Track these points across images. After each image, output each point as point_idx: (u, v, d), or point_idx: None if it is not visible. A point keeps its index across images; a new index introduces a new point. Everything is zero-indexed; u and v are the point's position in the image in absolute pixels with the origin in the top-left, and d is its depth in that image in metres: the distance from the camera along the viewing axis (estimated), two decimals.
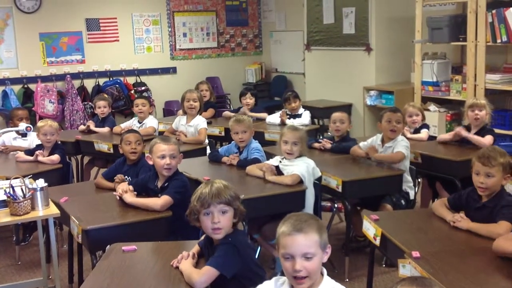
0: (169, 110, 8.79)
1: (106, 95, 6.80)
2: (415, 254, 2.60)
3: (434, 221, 3.10)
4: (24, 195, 3.39)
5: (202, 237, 2.71)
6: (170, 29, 9.40)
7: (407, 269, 2.60)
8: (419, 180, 4.93)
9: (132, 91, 8.85)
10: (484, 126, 4.62)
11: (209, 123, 5.80)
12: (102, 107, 6.10)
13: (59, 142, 5.04)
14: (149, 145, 3.71)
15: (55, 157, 4.75)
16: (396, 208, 4.07)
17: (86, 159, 5.99)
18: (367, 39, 7.45)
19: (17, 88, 8.27)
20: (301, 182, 3.80)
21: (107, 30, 8.86)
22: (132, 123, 5.94)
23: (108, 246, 2.94)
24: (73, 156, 5.73)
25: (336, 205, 4.88)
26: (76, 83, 8.64)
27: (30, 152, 4.87)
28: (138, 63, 9.14)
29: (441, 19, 6.31)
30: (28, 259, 4.63)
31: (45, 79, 8.40)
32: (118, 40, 8.97)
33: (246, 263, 2.51)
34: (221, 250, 2.50)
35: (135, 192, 3.55)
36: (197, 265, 2.58)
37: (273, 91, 9.85)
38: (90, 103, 8.43)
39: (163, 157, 3.51)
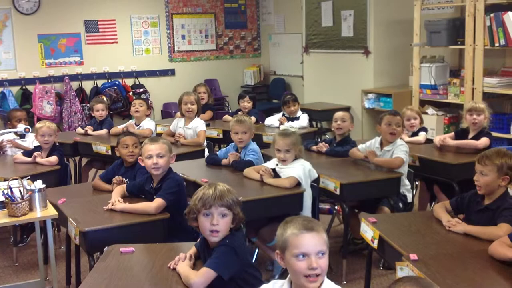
0: (167, 112, 8.79)
1: (103, 98, 6.80)
2: (413, 256, 2.60)
3: (432, 223, 3.11)
4: (22, 197, 3.40)
5: (199, 239, 2.71)
6: (168, 31, 9.40)
7: (404, 271, 2.60)
8: (417, 183, 4.93)
9: (131, 93, 8.85)
10: (482, 130, 4.63)
11: (207, 125, 5.80)
12: (100, 110, 6.09)
13: (57, 144, 5.04)
14: None
15: (53, 159, 4.74)
16: (394, 211, 4.07)
17: (84, 161, 5.99)
18: (365, 42, 7.46)
19: (15, 89, 8.26)
20: (298, 184, 3.80)
21: (105, 32, 8.86)
22: (130, 124, 5.93)
23: (106, 247, 2.94)
24: (71, 158, 5.73)
25: (336, 207, 4.88)
26: (75, 84, 8.63)
27: (28, 153, 4.87)
28: (137, 65, 9.14)
29: (439, 22, 6.32)
30: (25, 260, 4.62)
31: (43, 80, 8.40)
32: (116, 42, 8.97)
33: (243, 265, 2.52)
34: (219, 252, 2.49)
35: (128, 194, 3.56)
36: (194, 267, 2.58)
37: (271, 94, 9.86)
38: (88, 104, 8.42)
39: (150, 157, 3.51)
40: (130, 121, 6.02)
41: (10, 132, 5.26)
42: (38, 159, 4.74)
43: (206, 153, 5.26)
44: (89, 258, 3.18)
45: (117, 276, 2.55)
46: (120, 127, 5.88)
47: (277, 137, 3.97)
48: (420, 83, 6.60)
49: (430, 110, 6.53)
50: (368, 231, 3.15)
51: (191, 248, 2.72)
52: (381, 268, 4.19)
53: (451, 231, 2.95)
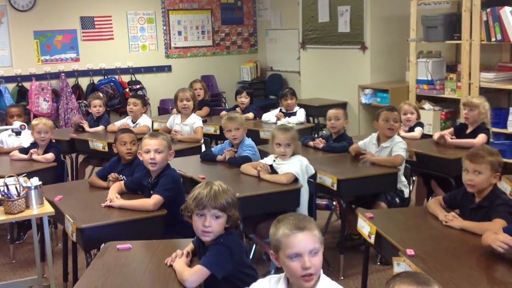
0: (164, 109, 8.77)
1: (100, 94, 6.78)
2: (410, 252, 2.60)
3: (429, 219, 3.11)
4: (19, 194, 3.38)
5: (196, 236, 2.70)
6: (165, 27, 9.38)
7: (401, 267, 2.60)
8: (414, 178, 4.94)
9: (127, 89, 8.83)
10: (480, 125, 4.62)
11: (204, 122, 5.79)
12: (97, 106, 6.07)
13: (54, 141, 5.03)
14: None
15: (50, 156, 4.73)
16: (390, 207, 4.07)
17: (81, 158, 5.98)
18: (362, 38, 7.46)
19: (11, 86, 8.23)
20: (295, 180, 3.80)
21: (101, 28, 8.84)
22: (126, 121, 5.92)
23: (103, 244, 2.93)
24: (67, 155, 5.72)
25: (334, 203, 4.89)
26: (71, 81, 8.61)
27: (24, 150, 4.85)
28: (133, 61, 9.12)
29: (436, 17, 6.32)
30: (22, 257, 4.62)
31: (39, 77, 8.38)
32: (113, 38, 8.94)
33: (238, 264, 2.51)
34: (213, 251, 2.49)
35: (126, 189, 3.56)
36: (191, 263, 2.58)
37: (268, 90, 9.86)
38: (84, 101, 8.41)
39: (148, 151, 3.50)
40: (126, 118, 6.01)
41: (6, 129, 5.25)
42: (35, 156, 4.72)
43: (203, 149, 5.25)
44: (86, 255, 3.17)
45: (114, 273, 2.55)
46: (117, 124, 5.87)
47: (277, 132, 3.97)
48: (417, 78, 6.61)
49: (427, 105, 6.53)
50: (365, 227, 3.15)
51: (188, 245, 2.72)
52: (378, 263, 4.19)
53: (448, 226, 2.96)
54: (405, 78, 7.19)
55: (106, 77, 8.85)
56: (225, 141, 4.60)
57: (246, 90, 6.53)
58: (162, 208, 3.36)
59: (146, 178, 3.63)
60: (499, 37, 5.62)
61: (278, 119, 5.91)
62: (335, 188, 3.95)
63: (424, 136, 5.11)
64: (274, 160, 4.00)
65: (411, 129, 5.10)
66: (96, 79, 8.81)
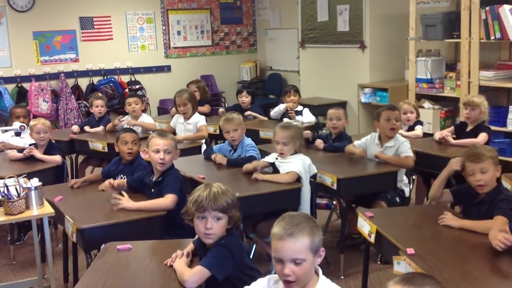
0: (164, 109, 8.77)
1: (101, 94, 6.79)
2: (410, 251, 2.60)
3: (429, 218, 3.10)
4: (19, 194, 3.38)
5: (197, 236, 2.70)
6: (164, 27, 9.38)
7: (401, 266, 2.60)
8: (414, 177, 4.94)
9: (127, 90, 8.83)
10: (480, 123, 4.62)
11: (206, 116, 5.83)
12: (99, 106, 6.08)
13: (53, 141, 5.02)
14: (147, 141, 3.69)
15: (58, 158, 4.72)
16: (391, 206, 4.07)
17: (81, 158, 5.98)
18: (361, 37, 7.46)
19: (10, 87, 8.23)
20: (298, 179, 3.80)
21: (101, 28, 8.83)
22: (126, 119, 5.92)
23: (103, 245, 2.93)
24: (67, 155, 5.72)
25: (334, 202, 4.88)
26: (70, 81, 8.61)
27: (23, 151, 4.85)
28: (132, 62, 9.11)
29: (435, 16, 6.32)
30: (23, 258, 4.62)
31: (39, 78, 8.38)
32: (112, 39, 8.94)
33: (239, 265, 2.51)
34: (214, 252, 2.49)
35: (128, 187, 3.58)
36: (191, 263, 2.59)
37: (267, 89, 9.85)
38: (84, 101, 8.41)
39: (157, 151, 3.50)
40: (126, 116, 6.01)
41: (6, 130, 5.25)
42: (39, 155, 4.70)
43: (204, 148, 5.26)
44: (86, 255, 3.18)
45: (114, 274, 2.55)
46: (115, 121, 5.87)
47: (277, 129, 3.98)
48: (416, 77, 6.60)
49: (427, 104, 6.53)
50: (365, 226, 3.15)
51: (188, 245, 2.72)
52: (379, 262, 4.19)
53: (448, 225, 2.96)
54: (405, 76, 7.19)
55: (105, 77, 8.84)
56: (226, 141, 4.60)
57: (247, 89, 6.53)
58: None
59: (148, 176, 3.64)
60: (498, 35, 5.62)
61: (290, 116, 5.86)
62: (335, 187, 3.95)
63: (424, 134, 5.11)
64: (276, 158, 4.00)
65: (411, 128, 5.10)
66: (96, 79, 8.81)
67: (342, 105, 7.38)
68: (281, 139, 3.90)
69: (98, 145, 5.41)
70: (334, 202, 4.87)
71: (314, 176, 3.96)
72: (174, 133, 5.51)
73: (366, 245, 3.42)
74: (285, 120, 5.65)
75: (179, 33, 9.53)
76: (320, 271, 2.10)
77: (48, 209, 3.45)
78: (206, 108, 6.47)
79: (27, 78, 8.30)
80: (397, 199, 4.18)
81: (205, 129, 5.47)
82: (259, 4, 10.06)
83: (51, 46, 8.52)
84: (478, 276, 2.41)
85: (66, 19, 8.56)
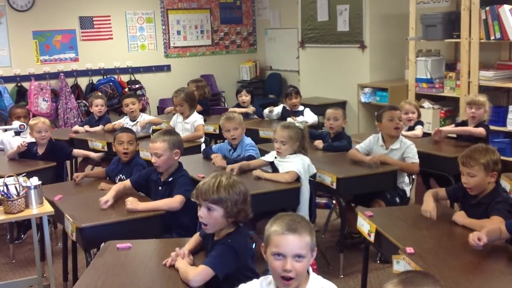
0: (164, 108, 8.73)
1: (101, 94, 6.80)
2: (409, 250, 2.60)
3: (428, 217, 3.11)
4: (18, 193, 3.39)
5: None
6: (164, 27, 9.38)
7: (401, 265, 2.61)
8: (413, 177, 4.93)
9: (126, 89, 8.83)
10: (480, 122, 4.62)
11: (204, 120, 5.80)
12: (99, 105, 6.08)
13: (53, 140, 5.02)
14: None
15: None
16: (390, 205, 4.07)
17: (80, 157, 5.96)
18: (361, 37, 7.46)
19: (10, 86, 8.23)
20: (298, 179, 3.80)
21: (100, 28, 8.83)
22: (124, 121, 5.93)
23: (103, 244, 2.94)
24: None
25: (333, 202, 4.88)
26: (70, 81, 8.61)
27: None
28: (132, 61, 9.11)
29: (435, 16, 6.32)
30: (22, 257, 4.62)
31: (38, 77, 8.37)
32: (112, 38, 8.94)
33: (241, 266, 2.51)
34: (219, 250, 2.50)
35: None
36: (195, 254, 2.62)
37: (267, 89, 9.85)
38: (84, 101, 8.41)
39: (151, 154, 3.59)
40: (123, 118, 6.01)
41: (6, 130, 5.24)
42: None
43: (203, 147, 5.26)
44: (86, 254, 3.17)
45: (114, 272, 2.55)
46: (115, 123, 5.88)
47: (278, 128, 4.00)
48: (416, 77, 6.60)
49: (426, 104, 6.54)
50: (364, 225, 3.15)
51: (188, 241, 2.73)
52: (378, 261, 4.20)
53: (447, 224, 2.96)
54: (405, 76, 7.19)
55: (105, 77, 8.84)
56: (225, 141, 4.59)
57: (246, 89, 6.53)
58: None
59: (155, 173, 3.66)
60: (498, 35, 5.63)
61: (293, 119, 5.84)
62: (334, 186, 3.95)
63: (424, 134, 5.11)
64: (275, 157, 4.00)
65: (411, 128, 5.11)
66: (95, 79, 8.80)
67: (342, 105, 7.39)
68: (280, 138, 3.91)
69: (98, 144, 5.42)
70: (334, 202, 4.87)
71: (313, 176, 3.96)
72: None
73: (365, 244, 3.42)
74: (289, 120, 5.63)
75: (179, 32, 9.53)
76: (310, 269, 2.11)
77: (47, 208, 3.46)
78: (198, 108, 6.46)
79: (27, 78, 8.30)
80: (397, 199, 4.18)
81: (202, 128, 5.46)
82: (259, 4, 10.06)
83: (51, 46, 8.52)
84: (477, 275, 2.41)
85: (65, 18, 8.55)
